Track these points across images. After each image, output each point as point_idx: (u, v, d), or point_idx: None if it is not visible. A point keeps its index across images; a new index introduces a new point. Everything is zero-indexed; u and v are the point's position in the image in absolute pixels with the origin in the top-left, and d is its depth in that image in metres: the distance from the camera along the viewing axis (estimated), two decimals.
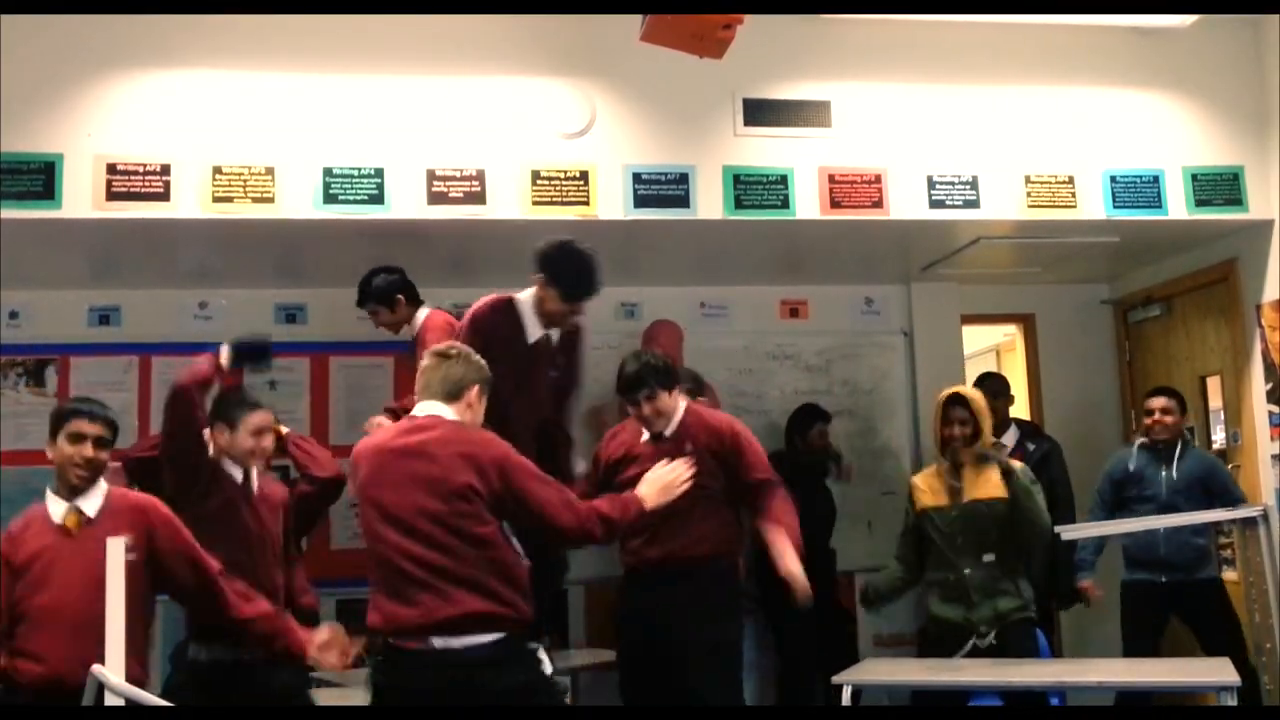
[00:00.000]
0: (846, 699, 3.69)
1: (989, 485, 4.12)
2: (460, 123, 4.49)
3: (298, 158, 4.36)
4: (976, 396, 4.27)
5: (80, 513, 3.12)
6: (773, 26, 4.58)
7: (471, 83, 4.52)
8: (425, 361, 3.24)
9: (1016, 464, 4.19)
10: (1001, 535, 4.10)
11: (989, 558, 4.08)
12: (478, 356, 3.25)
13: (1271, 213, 4.95)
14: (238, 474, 3.69)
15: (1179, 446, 4.96)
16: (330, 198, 4.38)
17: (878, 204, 4.71)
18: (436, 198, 4.45)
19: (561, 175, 4.53)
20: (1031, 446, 5.39)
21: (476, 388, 3.18)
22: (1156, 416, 4.98)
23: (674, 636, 3.80)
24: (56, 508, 3.13)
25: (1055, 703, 4.12)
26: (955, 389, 4.34)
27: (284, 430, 4.59)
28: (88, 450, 3.12)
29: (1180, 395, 5.10)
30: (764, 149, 4.66)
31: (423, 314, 4.75)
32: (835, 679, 3.74)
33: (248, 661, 3.53)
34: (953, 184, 4.76)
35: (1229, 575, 5.18)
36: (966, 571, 4.08)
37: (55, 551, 3.07)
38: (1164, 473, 4.91)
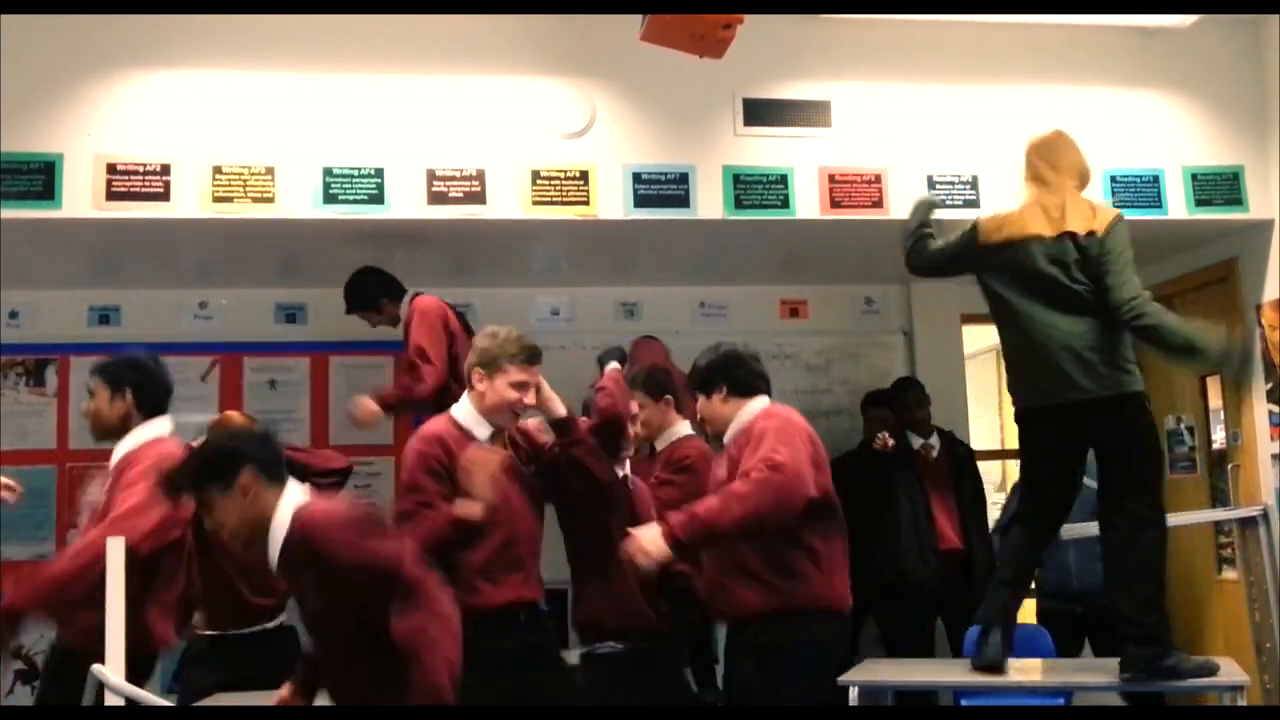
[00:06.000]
0: (854, 699, 3.67)
1: None
2: (460, 122, 4.48)
3: (297, 157, 4.36)
4: None
5: None
6: (773, 26, 4.57)
7: (471, 83, 4.52)
8: None
9: None
10: None
11: None
12: None
13: (1271, 213, 4.95)
14: None
15: None
16: (330, 197, 4.37)
17: (878, 204, 4.70)
18: (436, 197, 4.44)
19: (561, 175, 4.52)
20: (962, 451, 5.36)
21: None
22: None
23: None
24: None
25: (1058, 702, 4.12)
26: None
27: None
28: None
29: None
30: (764, 149, 4.65)
31: (408, 301, 4.70)
32: (840, 679, 3.73)
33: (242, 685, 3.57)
34: (953, 184, 4.76)
35: (1229, 575, 5.17)
36: None
37: None
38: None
